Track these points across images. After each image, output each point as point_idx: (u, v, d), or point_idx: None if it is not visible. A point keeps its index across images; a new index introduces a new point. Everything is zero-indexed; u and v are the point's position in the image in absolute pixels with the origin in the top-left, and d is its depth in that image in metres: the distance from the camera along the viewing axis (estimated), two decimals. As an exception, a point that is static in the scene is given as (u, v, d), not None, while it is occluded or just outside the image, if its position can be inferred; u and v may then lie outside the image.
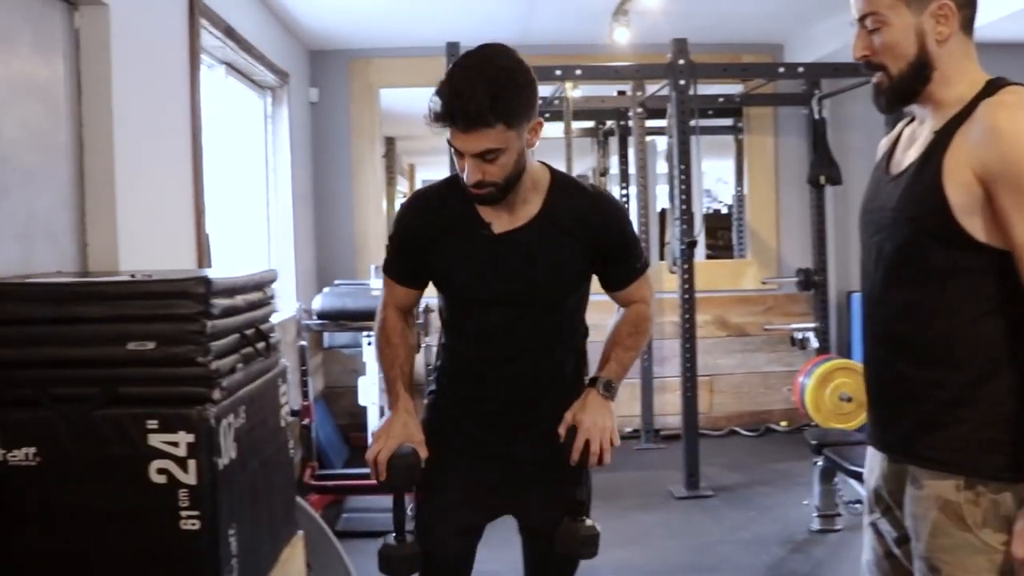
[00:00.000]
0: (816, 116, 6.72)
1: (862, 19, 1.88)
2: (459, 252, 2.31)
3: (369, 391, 5.13)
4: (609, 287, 2.43)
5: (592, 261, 2.33)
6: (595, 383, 2.32)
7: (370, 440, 4.89)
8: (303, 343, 5.16)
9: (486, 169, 2.12)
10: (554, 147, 8.37)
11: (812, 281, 6.99)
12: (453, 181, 2.33)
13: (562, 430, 2.26)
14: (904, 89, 1.89)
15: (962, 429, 1.81)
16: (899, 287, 1.90)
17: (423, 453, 2.28)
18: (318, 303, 5.33)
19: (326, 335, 5.83)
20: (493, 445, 2.38)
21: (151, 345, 2.13)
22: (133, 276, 2.34)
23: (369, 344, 5.34)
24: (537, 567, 2.51)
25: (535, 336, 2.35)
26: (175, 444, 2.10)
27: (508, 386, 2.36)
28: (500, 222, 2.27)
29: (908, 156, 1.92)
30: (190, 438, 2.10)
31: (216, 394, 2.15)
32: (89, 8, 3.06)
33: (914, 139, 1.94)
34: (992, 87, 1.83)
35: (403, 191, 14.27)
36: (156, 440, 2.10)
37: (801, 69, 6.08)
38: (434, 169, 18.09)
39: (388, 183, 8.35)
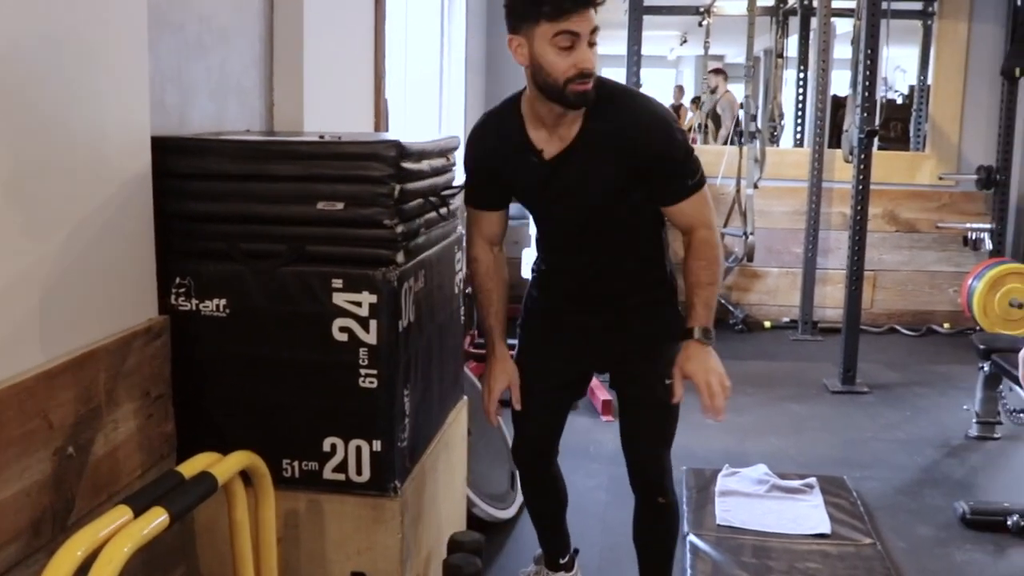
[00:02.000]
0: (1019, 2, 6.27)
1: None
2: (520, 177, 2.42)
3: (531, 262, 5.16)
4: (663, 203, 2.41)
5: (636, 176, 2.34)
6: (691, 334, 2.37)
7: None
8: (469, 211, 5.20)
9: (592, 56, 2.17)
10: (734, 25, 8.12)
11: (993, 179, 6.64)
12: (509, 108, 2.41)
13: (678, 385, 2.38)
14: None
15: None
16: None
17: (517, 394, 2.60)
18: (486, 173, 5.34)
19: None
20: (585, 320, 2.55)
21: (340, 205, 2.17)
22: (322, 137, 2.39)
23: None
24: (633, 418, 2.63)
25: (602, 251, 2.48)
26: (358, 304, 2.17)
27: (591, 290, 2.54)
28: (550, 147, 2.33)
29: None
30: (373, 299, 2.16)
31: (400, 257, 2.20)
32: None
33: None
34: None
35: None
36: (340, 299, 2.17)
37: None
38: (607, 43, 17.80)
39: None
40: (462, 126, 5.89)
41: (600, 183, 2.35)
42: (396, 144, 2.17)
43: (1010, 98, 6.56)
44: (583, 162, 2.32)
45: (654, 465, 2.58)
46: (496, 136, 2.43)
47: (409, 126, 5.02)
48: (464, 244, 2.71)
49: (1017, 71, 6.31)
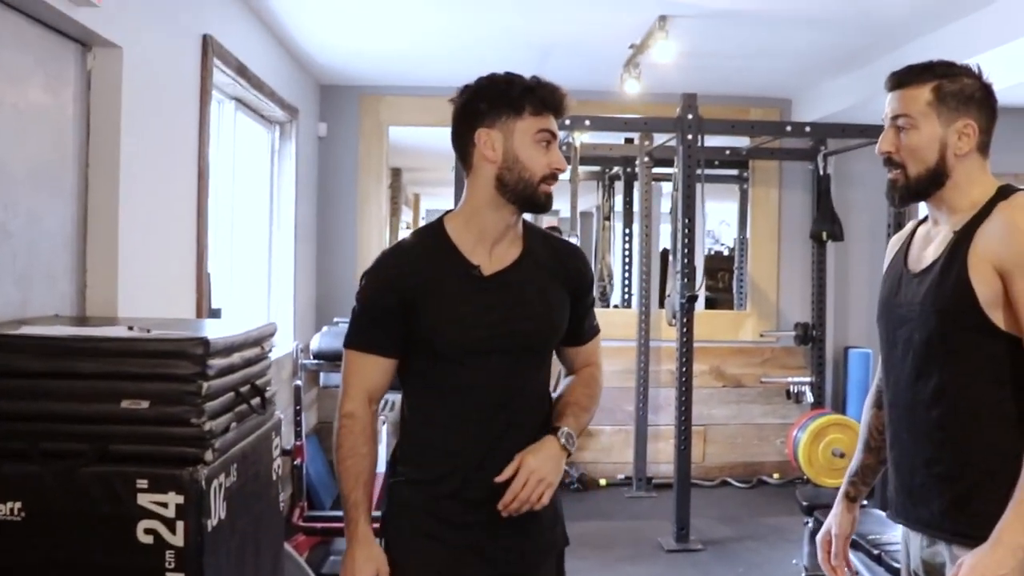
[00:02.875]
0: (821, 172, 6.74)
1: (895, 118, 2.05)
2: (452, 296, 2.14)
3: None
4: (572, 341, 2.29)
5: (571, 305, 2.25)
6: (557, 432, 2.12)
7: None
8: (298, 382, 5.10)
9: None
10: (559, 190, 8.42)
11: (810, 336, 6.99)
12: (431, 232, 2.22)
13: (510, 470, 2.06)
14: (917, 190, 2.07)
15: (991, 505, 1.90)
16: (928, 374, 2.04)
17: None
18: (316, 343, 5.29)
19: (322, 374, 5.77)
20: (467, 544, 2.18)
21: (145, 404, 2.12)
22: (131, 328, 2.33)
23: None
24: None
25: (527, 392, 2.20)
26: (164, 505, 2.09)
27: (491, 458, 2.12)
28: (488, 264, 2.16)
29: (928, 255, 2.09)
30: (179, 499, 2.09)
31: (208, 455, 2.14)
32: (102, 50, 3.08)
33: (930, 239, 2.11)
34: (1005, 192, 2.00)
35: (407, 221, 14.31)
36: (145, 500, 2.09)
37: (808, 128, 6.11)
38: (440, 199, 18.10)
39: (392, 214, 8.36)
40: (291, 295, 5.88)
41: (544, 301, 2.19)
42: (203, 341, 2.14)
43: (820, 260, 6.97)
44: (527, 280, 2.17)
45: None
46: (419, 258, 2.17)
47: (235, 297, 4.95)
48: (280, 428, 2.65)
49: (823, 235, 6.72)
